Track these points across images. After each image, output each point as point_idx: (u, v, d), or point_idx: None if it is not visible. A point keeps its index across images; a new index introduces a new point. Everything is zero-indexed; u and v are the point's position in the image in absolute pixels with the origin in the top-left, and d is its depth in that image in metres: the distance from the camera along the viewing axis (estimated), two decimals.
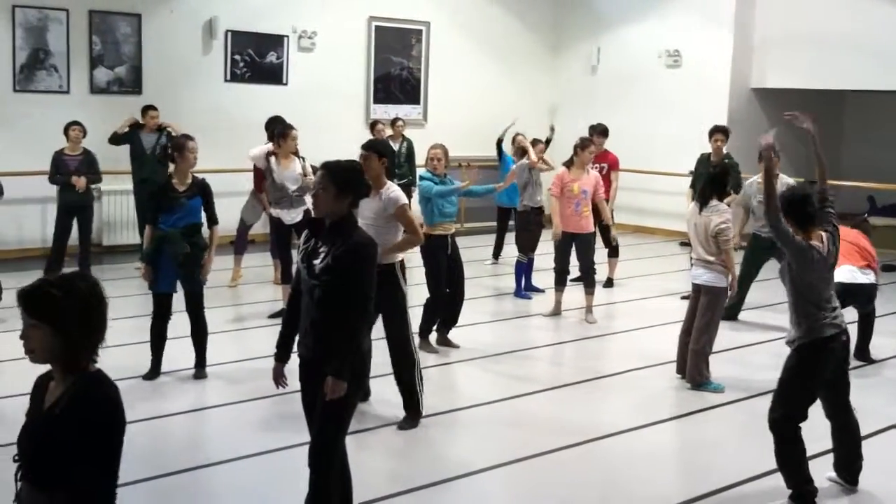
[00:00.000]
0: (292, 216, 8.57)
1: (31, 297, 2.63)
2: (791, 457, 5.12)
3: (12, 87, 11.42)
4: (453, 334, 8.23)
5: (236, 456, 5.66)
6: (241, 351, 7.94)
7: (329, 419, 4.25)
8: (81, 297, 2.66)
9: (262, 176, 9.92)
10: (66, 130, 10.17)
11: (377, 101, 14.60)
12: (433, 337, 8.07)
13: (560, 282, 9.42)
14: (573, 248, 9.29)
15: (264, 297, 9.90)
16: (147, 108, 10.96)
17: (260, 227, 10.59)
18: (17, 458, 2.71)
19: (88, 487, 2.60)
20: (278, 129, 8.71)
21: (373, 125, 12.63)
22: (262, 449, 5.76)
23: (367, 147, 6.31)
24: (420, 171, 7.93)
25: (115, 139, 10.90)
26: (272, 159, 8.52)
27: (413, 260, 8.13)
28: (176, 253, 6.84)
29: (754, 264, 9.23)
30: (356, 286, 4.18)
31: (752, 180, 9.13)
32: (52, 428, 2.62)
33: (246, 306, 9.64)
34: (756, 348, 8.46)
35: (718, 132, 10.41)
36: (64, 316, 2.62)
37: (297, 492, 4.58)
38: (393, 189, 6.27)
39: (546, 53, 16.49)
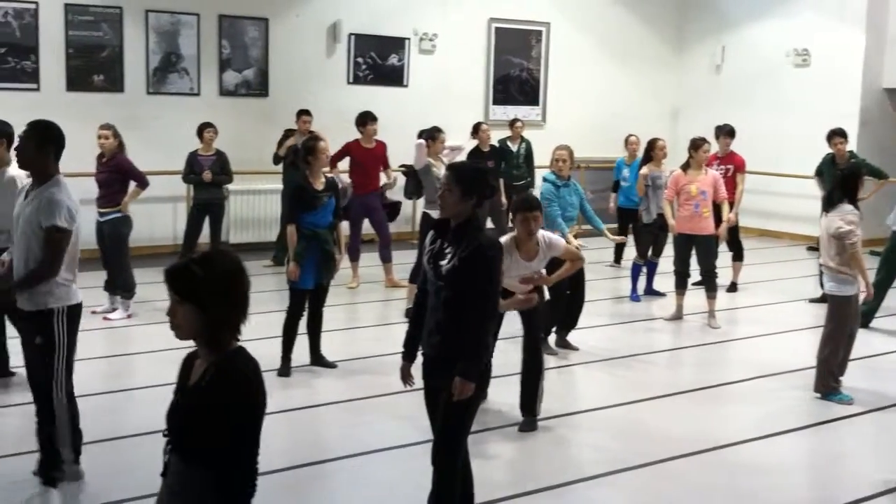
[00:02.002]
0: None
1: (175, 275, 2.71)
2: None
3: (146, 90, 11.88)
4: (572, 337, 8.18)
5: (360, 451, 5.76)
6: (360, 349, 8.05)
7: (453, 418, 4.28)
8: (223, 276, 2.72)
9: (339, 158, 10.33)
10: (200, 132, 10.53)
11: (496, 102, 14.62)
12: (552, 339, 8.03)
13: (680, 285, 9.25)
14: (693, 251, 9.12)
15: (378, 297, 10.06)
16: (301, 113, 11.15)
17: (367, 228, 10.64)
18: (165, 433, 2.81)
19: (229, 462, 2.66)
20: (427, 133, 9.00)
21: (476, 128, 12.39)
22: (385, 445, 5.84)
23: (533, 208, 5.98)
24: (544, 173, 7.89)
25: (278, 159, 11.14)
26: (431, 160, 8.80)
27: None
28: (328, 251, 7.05)
29: (892, 267, 8.80)
30: (483, 288, 4.20)
31: None
32: (195, 403, 2.70)
33: (362, 305, 9.79)
34: (889, 358, 8.15)
35: (837, 136, 10.33)
36: (206, 294, 2.67)
37: (419, 488, 4.63)
38: (548, 235, 6.20)
39: (669, 53, 16.23)
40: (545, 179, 7.85)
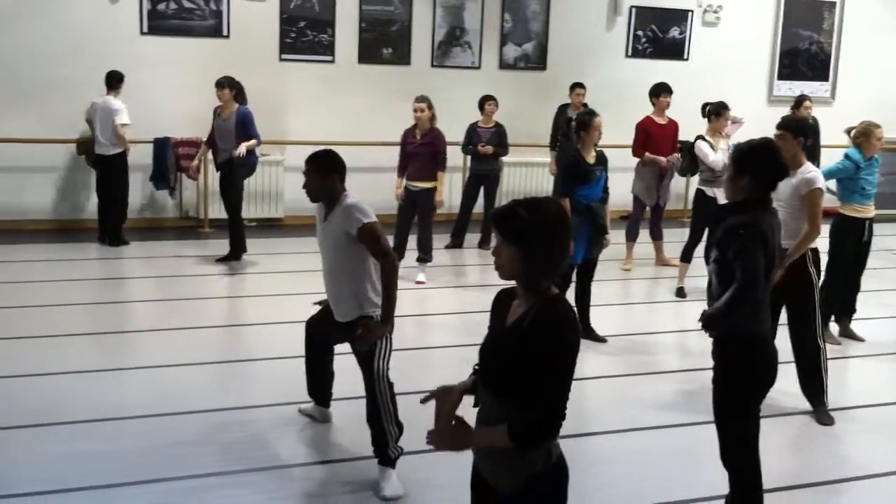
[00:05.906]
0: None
1: (501, 217, 2.84)
2: None
3: (430, 63, 12.31)
4: (859, 327, 7.73)
5: (621, 428, 5.75)
6: (630, 325, 8.01)
7: (727, 417, 4.15)
8: (547, 221, 2.81)
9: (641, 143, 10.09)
10: (481, 104, 10.75)
11: (781, 77, 13.97)
12: (835, 328, 7.63)
13: None
14: None
15: (648, 274, 9.94)
16: (575, 86, 11.25)
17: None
18: (476, 367, 2.96)
19: (544, 404, 2.75)
20: (711, 107, 8.84)
21: (798, 101, 11.56)
22: (642, 425, 5.79)
23: (781, 126, 6.06)
24: (848, 150, 7.42)
25: (555, 142, 11.24)
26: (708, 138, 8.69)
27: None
28: (601, 225, 7.08)
29: None
30: (737, 267, 3.96)
31: None
32: (517, 342, 2.80)
33: (632, 282, 9.72)
34: None
35: None
36: (529, 237, 2.79)
37: (673, 469, 4.57)
38: (810, 170, 5.94)
39: None
40: (849, 157, 7.35)
